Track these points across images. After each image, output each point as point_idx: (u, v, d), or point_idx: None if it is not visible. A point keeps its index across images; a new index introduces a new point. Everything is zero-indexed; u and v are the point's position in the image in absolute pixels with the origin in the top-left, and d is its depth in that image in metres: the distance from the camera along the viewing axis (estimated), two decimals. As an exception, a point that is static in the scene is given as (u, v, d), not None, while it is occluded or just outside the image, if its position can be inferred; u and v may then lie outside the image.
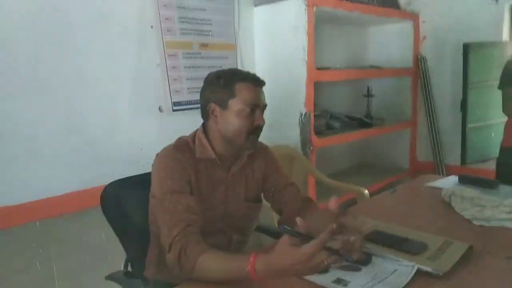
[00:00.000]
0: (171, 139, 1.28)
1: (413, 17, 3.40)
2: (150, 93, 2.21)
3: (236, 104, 1.16)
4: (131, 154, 2.14)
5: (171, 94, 2.24)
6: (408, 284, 0.93)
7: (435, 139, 3.34)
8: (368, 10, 2.96)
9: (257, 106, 1.18)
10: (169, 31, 2.20)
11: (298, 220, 0.95)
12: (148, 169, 1.43)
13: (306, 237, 0.86)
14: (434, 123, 3.35)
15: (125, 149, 2.13)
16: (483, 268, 1.02)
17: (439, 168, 3.32)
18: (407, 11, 3.43)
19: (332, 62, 3.11)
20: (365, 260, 1.02)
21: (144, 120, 2.20)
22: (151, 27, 2.16)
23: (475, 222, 1.30)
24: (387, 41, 3.58)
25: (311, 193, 2.52)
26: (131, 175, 1.44)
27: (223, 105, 1.17)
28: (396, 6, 3.38)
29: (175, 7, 2.21)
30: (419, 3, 3.42)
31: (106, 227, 2.03)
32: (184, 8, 2.25)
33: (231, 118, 1.17)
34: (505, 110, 2.20)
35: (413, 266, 0.98)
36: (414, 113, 3.45)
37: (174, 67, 2.22)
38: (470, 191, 1.45)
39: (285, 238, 0.88)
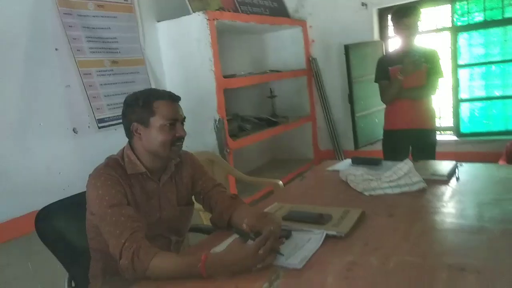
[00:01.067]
0: (99, 157, 1.36)
1: (301, 23, 3.81)
2: (62, 116, 2.20)
3: (157, 121, 1.29)
4: (49, 179, 2.11)
5: (94, 113, 2.28)
6: (321, 246, 1.19)
7: (331, 130, 3.81)
8: (262, 20, 3.26)
9: (176, 120, 1.32)
10: (79, 50, 2.23)
11: (244, 224, 1.23)
12: (69, 192, 1.50)
13: (249, 236, 1.15)
14: (329, 116, 3.81)
15: (42, 175, 2.10)
16: (373, 226, 1.33)
17: (338, 154, 3.78)
18: (295, 18, 3.83)
19: (237, 69, 3.36)
20: (286, 235, 1.26)
21: (59, 144, 2.18)
22: (56, 49, 2.16)
23: (365, 193, 1.63)
24: (282, 46, 3.95)
25: (233, 191, 2.73)
26: (51, 201, 1.46)
27: (145, 124, 1.30)
28: (286, 14, 3.76)
29: (80, 27, 2.24)
30: (305, 10, 3.84)
31: (28, 258, 1.99)
32: (89, 28, 2.29)
33: (154, 134, 1.30)
34: (382, 99, 2.67)
35: (323, 233, 1.25)
36: (312, 108, 3.88)
37: (90, 86, 2.27)
38: (360, 170, 1.80)
39: (235, 240, 1.14)
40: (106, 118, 2.35)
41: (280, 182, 2.50)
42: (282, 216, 1.42)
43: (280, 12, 3.64)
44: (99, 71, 2.33)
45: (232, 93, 3.12)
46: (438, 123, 2.67)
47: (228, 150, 2.67)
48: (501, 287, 0.94)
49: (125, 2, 2.52)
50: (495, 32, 3.22)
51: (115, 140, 1.59)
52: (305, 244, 1.21)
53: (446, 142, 3.30)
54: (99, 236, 1.26)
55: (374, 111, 3.44)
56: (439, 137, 3.29)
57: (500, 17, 3.18)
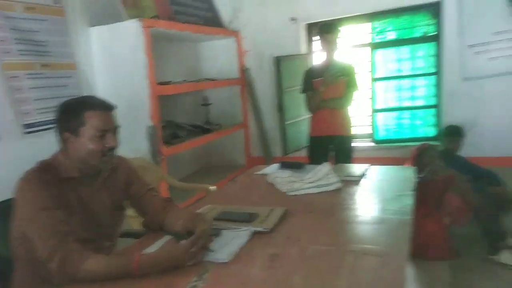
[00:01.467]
0: (24, 163, 1.33)
1: (235, 34, 3.96)
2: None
3: (87, 131, 1.30)
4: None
5: (21, 117, 2.20)
6: (248, 241, 1.32)
7: (263, 137, 3.99)
8: (197, 29, 3.35)
9: (107, 130, 1.34)
10: (9, 52, 2.15)
11: (179, 225, 1.32)
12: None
13: (183, 236, 1.25)
14: (261, 123, 3.99)
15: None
16: (294, 221, 1.50)
17: (268, 161, 3.97)
18: (230, 29, 3.97)
19: (172, 76, 3.41)
20: (216, 233, 1.37)
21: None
22: (-24, 52, 2.07)
23: (289, 193, 1.80)
24: (217, 55, 4.06)
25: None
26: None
27: (75, 133, 1.31)
28: (221, 24, 3.89)
29: (8, 29, 2.17)
30: (239, 22, 4.00)
31: None
32: (18, 30, 2.22)
33: (84, 144, 1.31)
34: (307, 108, 2.91)
35: (250, 229, 1.39)
36: (245, 116, 4.03)
37: (18, 89, 2.19)
38: (285, 173, 1.97)
39: (169, 241, 1.23)
40: (36, 123, 2.27)
41: (213, 187, 2.60)
42: (214, 217, 1.53)
43: (215, 22, 3.76)
44: (29, 74, 2.26)
45: (167, 100, 3.16)
46: (355, 130, 2.96)
47: (161, 157, 2.71)
48: (395, 267, 1.13)
49: (56, 5, 2.48)
50: (406, 49, 3.64)
51: (43, 145, 1.55)
52: (233, 240, 1.33)
53: (364, 148, 3.64)
54: (26, 243, 1.24)
55: (302, 119, 3.68)
56: (359, 143, 3.63)
57: (410, 36, 3.60)
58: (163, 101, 2.94)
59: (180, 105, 3.67)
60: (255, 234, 1.38)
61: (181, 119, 3.55)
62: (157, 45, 2.98)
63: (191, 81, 3.46)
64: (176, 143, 2.93)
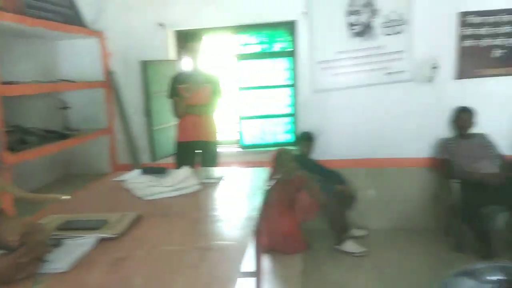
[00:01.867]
0: None
1: (99, 34, 3.74)
2: None
3: None
4: None
5: None
6: (94, 249, 1.27)
7: (130, 143, 3.84)
8: (52, 26, 3.07)
9: None
10: None
11: (9, 237, 1.15)
12: None
13: (14, 248, 1.12)
14: (128, 129, 3.84)
15: None
16: (147, 225, 1.49)
17: (136, 167, 3.83)
18: (91, 29, 3.73)
19: (21, 75, 3.06)
20: (56, 243, 1.28)
21: None
22: None
23: (147, 198, 1.78)
24: (77, 56, 3.79)
25: (10, 210, 2.45)
26: None
27: None
28: (82, 23, 3.64)
29: None
30: (102, 22, 3.79)
31: None
32: None
33: None
34: (174, 114, 2.93)
35: (96, 236, 1.33)
36: (110, 121, 3.82)
37: None
38: (143, 178, 1.95)
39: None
40: None
41: (66, 197, 2.40)
42: (57, 227, 1.43)
43: (75, 21, 3.50)
44: None
45: (14, 103, 2.82)
46: (223, 136, 3.09)
47: (3, 165, 2.40)
48: (234, 259, 1.22)
49: None
50: (268, 62, 3.93)
51: None
52: (75, 249, 1.26)
53: (232, 153, 3.81)
54: None
55: (171, 125, 3.67)
56: (227, 148, 3.79)
57: (271, 50, 3.91)
58: (10, 103, 2.62)
59: (32, 108, 3.31)
60: (102, 240, 1.33)
61: (34, 123, 3.20)
62: (2, 41, 2.64)
63: (45, 82, 3.15)
64: (24, 150, 2.63)
